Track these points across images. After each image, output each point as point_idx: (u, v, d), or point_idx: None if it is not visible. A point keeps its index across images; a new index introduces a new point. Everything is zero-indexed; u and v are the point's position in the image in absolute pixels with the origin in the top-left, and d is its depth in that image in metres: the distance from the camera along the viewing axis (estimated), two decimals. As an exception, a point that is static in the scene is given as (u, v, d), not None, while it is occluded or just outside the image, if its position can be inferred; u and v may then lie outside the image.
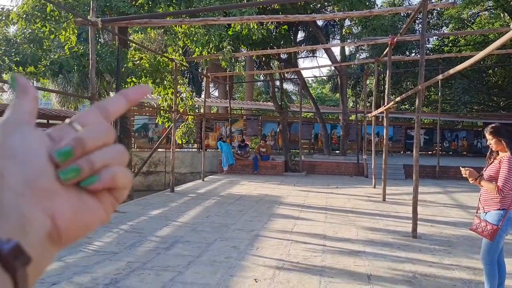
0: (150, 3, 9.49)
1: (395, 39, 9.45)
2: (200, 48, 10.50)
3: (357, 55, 31.94)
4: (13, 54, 8.27)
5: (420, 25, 22.37)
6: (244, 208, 8.53)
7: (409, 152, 22.82)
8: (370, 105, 16.12)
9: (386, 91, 9.81)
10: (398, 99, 8.65)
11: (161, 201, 9.31)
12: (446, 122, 23.94)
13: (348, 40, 20.69)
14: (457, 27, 24.66)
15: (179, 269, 4.61)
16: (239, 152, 16.20)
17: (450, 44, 24.31)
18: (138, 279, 4.28)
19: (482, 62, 21.35)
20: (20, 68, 8.02)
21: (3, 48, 8.83)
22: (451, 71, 5.14)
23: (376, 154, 12.33)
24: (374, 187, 11.98)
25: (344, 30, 22.75)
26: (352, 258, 5.20)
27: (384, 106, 9.47)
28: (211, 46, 10.20)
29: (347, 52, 31.32)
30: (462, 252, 5.57)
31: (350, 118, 19.04)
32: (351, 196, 10.43)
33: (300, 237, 6.23)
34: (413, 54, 22.72)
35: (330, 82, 39.16)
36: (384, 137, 9.69)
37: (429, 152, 22.71)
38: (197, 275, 4.46)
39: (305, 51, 29.07)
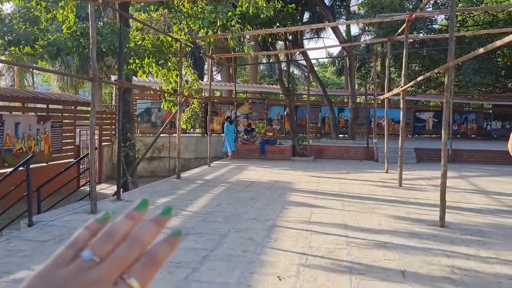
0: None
1: (413, 16, 8.89)
2: (205, 28, 10.01)
3: (362, 36, 31.18)
4: (7, 33, 7.70)
5: (431, 5, 21.69)
6: (255, 195, 8.10)
7: (417, 135, 22.35)
8: (378, 87, 15.52)
9: (403, 71, 9.30)
10: (421, 78, 8.18)
11: (168, 188, 8.88)
12: (455, 104, 23.34)
13: (360, 19, 20.02)
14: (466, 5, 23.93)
15: (193, 265, 4.20)
16: (245, 136, 15.73)
17: (458, 24, 23.55)
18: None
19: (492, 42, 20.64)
20: (16, 48, 7.50)
21: None
22: (490, 46, 4.65)
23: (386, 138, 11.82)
24: (387, 172, 11.52)
25: (357, 6, 22.05)
26: (380, 250, 4.77)
27: (401, 88, 8.97)
28: (218, 24, 9.66)
29: (352, 33, 30.60)
30: (498, 243, 5.14)
31: (357, 101, 18.50)
32: (365, 182, 10.00)
33: (320, 227, 5.81)
34: (421, 35, 22.08)
35: (334, 65, 38.31)
36: (401, 120, 9.23)
37: (438, 136, 22.20)
38: (214, 272, 4.04)
39: (310, 31, 28.30)
